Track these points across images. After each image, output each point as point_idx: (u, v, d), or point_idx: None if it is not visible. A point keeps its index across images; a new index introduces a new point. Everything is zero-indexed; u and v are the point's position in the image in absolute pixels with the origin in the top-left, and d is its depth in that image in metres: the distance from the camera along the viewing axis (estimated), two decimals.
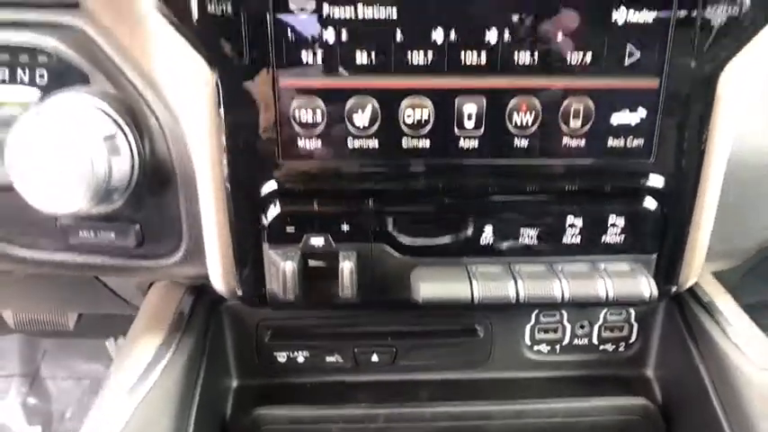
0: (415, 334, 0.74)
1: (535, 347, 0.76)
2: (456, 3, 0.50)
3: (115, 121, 0.56)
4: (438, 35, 0.51)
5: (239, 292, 0.60)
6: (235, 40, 0.50)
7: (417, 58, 0.52)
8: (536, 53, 0.52)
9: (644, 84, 0.53)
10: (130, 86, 0.57)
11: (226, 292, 0.61)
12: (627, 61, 0.52)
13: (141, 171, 0.57)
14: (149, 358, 0.63)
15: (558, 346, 0.76)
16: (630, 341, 0.76)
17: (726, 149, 0.57)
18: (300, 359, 0.75)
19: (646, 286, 0.56)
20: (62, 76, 0.58)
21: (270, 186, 0.55)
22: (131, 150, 0.56)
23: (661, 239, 0.58)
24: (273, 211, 0.55)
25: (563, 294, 0.55)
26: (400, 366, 0.75)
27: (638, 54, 0.52)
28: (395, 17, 0.50)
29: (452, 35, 0.51)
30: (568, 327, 0.75)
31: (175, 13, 0.50)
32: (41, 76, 0.59)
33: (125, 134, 0.56)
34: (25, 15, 0.59)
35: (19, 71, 0.59)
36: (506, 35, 0.51)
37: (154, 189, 0.58)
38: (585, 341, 0.76)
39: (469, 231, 0.57)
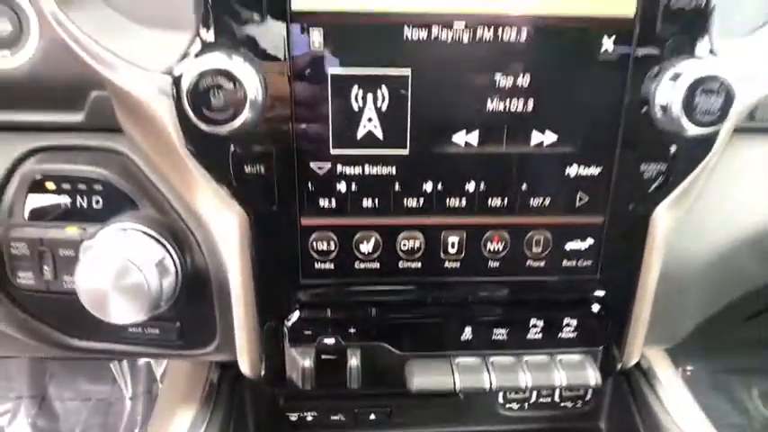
0: (407, 395, 0.88)
1: (507, 405, 0.90)
2: (441, 163, 0.63)
3: (163, 245, 0.68)
4: (428, 186, 0.64)
5: (263, 377, 0.73)
6: (266, 193, 0.63)
7: (411, 203, 0.64)
8: (506, 198, 0.65)
9: (591, 220, 0.67)
10: (174, 212, 0.69)
11: (252, 376, 0.73)
12: (578, 204, 0.66)
13: (184, 283, 0.69)
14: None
15: (526, 404, 0.90)
16: (586, 399, 0.90)
17: (658, 264, 0.70)
18: (309, 418, 0.88)
19: (592, 377, 0.70)
20: (116, 201, 0.70)
21: (292, 300, 0.68)
22: (176, 268, 0.68)
23: (606, 335, 0.72)
24: (294, 318, 0.68)
25: (526, 384, 0.69)
26: (394, 422, 0.89)
27: (586, 198, 0.66)
28: (394, 173, 0.63)
29: (439, 186, 0.64)
30: (535, 390, 0.89)
31: (214, 169, 0.62)
32: (97, 201, 0.71)
33: (171, 255, 0.68)
34: (75, 140, 0.71)
35: (78, 197, 0.71)
36: (482, 186, 0.64)
37: (193, 295, 0.71)
38: (549, 400, 0.90)
39: (452, 332, 0.70)
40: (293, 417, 0.88)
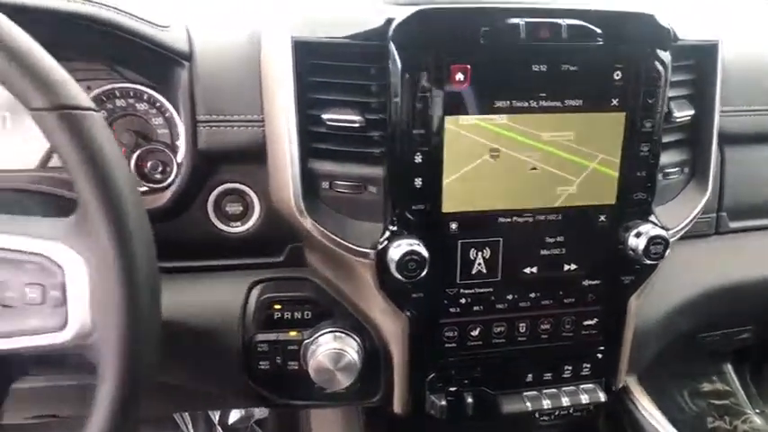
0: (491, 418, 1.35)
1: (542, 419, 1.40)
2: (517, 284, 1.12)
3: (355, 339, 1.14)
4: (509, 297, 1.12)
5: (411, 412, 1.18)
6: (422, 307, 1.10)
7: (500, 306, 1.12)
8: (551, 300, 1.14)
9: (596, 309, 1.17)
10: (354, 317, 1.15)
11: (403, 413, 1.18)
12: (588, 300, 1.17)
13: (365, 359, 1.14)
14: None
15: (552, 416, 1.40)
16: (590, 410, 1.41)
17: (631, 328, 1.22)
18: None
19: (602, 396, 1.21)
20: (318, 313, 1.15)
21: (431, 366, 1.15)
22: (361, 351, 1.14)
23: (606, 371, 1.23)
24: (431, 376, 1.15)
25: (566, 403, 1.19)
26: None
27: (594, 297, 1.16)
28: (492, 291, 1.12)
29: (516, 296, 1.13)
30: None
31: (395, 299, 1.09)
32: (307, 314, 1.16)
33: (358, 343, 1.14)
34: (279, 273, 1.16)
35: (294, 312, 1.15)
36: (538, 294, 1.14)
37: (369, 366, 1.16)
38: (565, 412, 1.40)
39: (521, 377, 1.19)
40: None
